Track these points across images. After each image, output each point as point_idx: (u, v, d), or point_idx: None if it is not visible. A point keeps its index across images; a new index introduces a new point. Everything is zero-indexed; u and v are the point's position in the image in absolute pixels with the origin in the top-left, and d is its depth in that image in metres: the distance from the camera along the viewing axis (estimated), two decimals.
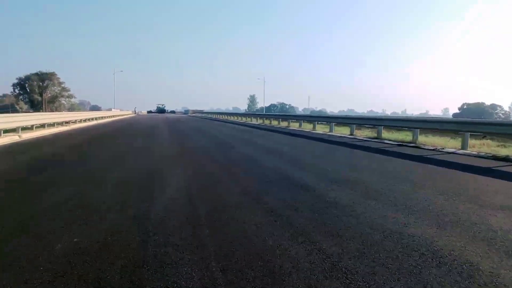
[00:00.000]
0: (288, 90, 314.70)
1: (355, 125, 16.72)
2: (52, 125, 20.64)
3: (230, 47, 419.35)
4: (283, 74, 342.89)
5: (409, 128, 13.35)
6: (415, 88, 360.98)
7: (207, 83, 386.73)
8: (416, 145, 11.90)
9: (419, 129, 12.53)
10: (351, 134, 16.37)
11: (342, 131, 18.26)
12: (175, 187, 5.48)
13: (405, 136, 13.80)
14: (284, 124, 28.16)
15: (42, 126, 19.06)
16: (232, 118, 47.07)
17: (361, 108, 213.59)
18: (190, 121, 37.40)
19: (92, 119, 32.92)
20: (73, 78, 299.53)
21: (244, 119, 41.46)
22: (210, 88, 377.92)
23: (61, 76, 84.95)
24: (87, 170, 7.11)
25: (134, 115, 74.73)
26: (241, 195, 5.01)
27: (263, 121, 31.78)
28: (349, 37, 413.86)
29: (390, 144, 12.53)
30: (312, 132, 19.23)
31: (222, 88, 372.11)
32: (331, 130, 18.52)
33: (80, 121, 28.92)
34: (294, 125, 25.68)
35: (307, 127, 22.69)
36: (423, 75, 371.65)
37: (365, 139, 14.70)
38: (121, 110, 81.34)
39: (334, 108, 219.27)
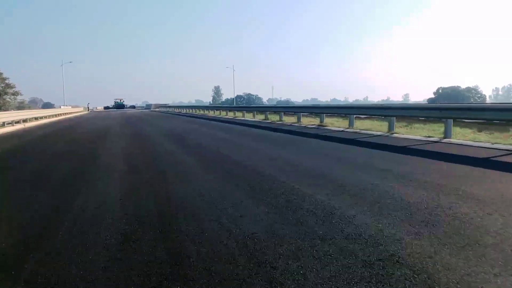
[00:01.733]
0: (251, 81, 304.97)
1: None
2: None
3: (189, 39, 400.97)
4: (244, 65, 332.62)
5: None
6: (375, 76, 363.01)
7: (167, 76, 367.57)
8: None
9: None
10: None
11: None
12: None
13: None
14: (291, 119, 18.98)
15: None
16: (209, 113, 37.11)
17: (324, 97, 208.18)
18: (160, 120, 27.41)
19: (13, 122, 22.00)
20: (23, 75, 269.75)
21: (224, 114, 31.67)
22: (170, 81, 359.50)
23: (8, 72, 73.15)
24: None
25: (86, 112, 62.25)
26: None
27: (265, 116, 21.86)
28: (308, 28, 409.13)
29: None
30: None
31: (183, 81, 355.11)
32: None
33: None
34: (304, 120, 16.79)
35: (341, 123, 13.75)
36: (383, 63, 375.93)
37: None
38: (72, 107, 69.08)
39: (297, 97, 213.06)
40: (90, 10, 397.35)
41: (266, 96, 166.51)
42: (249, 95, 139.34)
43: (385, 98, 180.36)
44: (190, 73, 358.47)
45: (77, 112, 58.83)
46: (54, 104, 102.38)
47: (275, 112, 22.26)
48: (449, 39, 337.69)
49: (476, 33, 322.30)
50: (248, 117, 25.23)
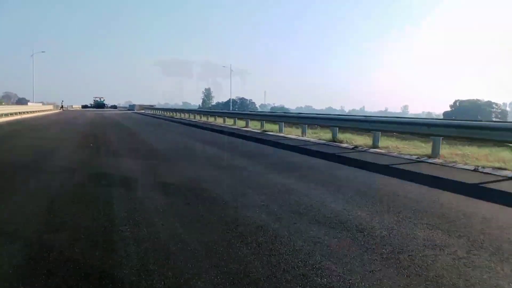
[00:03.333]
0: (242, 87, 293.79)
1: None
2: None
3: (179, 41, 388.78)
4: (236, 68, 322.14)
5: None
6: (372, 86, 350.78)
7: (152, 77, 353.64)
8: None
9: None
10: None
11: None
12: None
13: None
14: (354, 139, 9.37)
15: None
16: (216, 121, 26.95)
17: (319, 105, 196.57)
18: (152, 131, 17.28)
19: None
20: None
21: (243, 124, 21.55)
22: (156, 81, 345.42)
23: None
24: None
25: (56, 112, 50.96)
26: None
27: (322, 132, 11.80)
28: (307, 34, 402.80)
29: None
30: None
31: (168, 82, 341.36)
32: None
33: None
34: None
35: None
36: (382, 74, 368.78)
37: None
38: (43, 104, 58.00)
39: (291, 104, 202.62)
40: (77, 6, 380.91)
41: (259, 101, 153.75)
42: (242, 99, 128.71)
43: (383, 109, 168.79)
44: (177, 74, 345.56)
45: (44, 111, 47.64)
46: (29, 100, 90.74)
47: (272, 122, 12.47)
48: (450, 53, 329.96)
49: (482, 46, 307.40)
50: (290, 132, 15.46)
